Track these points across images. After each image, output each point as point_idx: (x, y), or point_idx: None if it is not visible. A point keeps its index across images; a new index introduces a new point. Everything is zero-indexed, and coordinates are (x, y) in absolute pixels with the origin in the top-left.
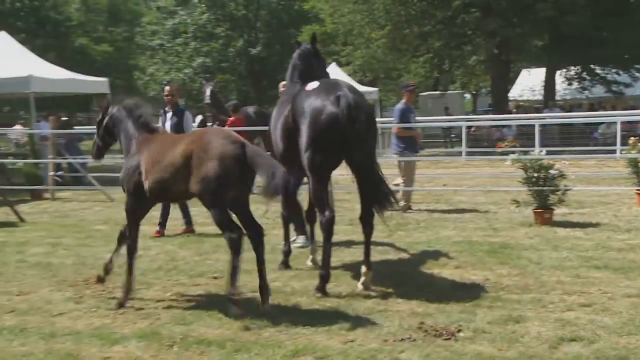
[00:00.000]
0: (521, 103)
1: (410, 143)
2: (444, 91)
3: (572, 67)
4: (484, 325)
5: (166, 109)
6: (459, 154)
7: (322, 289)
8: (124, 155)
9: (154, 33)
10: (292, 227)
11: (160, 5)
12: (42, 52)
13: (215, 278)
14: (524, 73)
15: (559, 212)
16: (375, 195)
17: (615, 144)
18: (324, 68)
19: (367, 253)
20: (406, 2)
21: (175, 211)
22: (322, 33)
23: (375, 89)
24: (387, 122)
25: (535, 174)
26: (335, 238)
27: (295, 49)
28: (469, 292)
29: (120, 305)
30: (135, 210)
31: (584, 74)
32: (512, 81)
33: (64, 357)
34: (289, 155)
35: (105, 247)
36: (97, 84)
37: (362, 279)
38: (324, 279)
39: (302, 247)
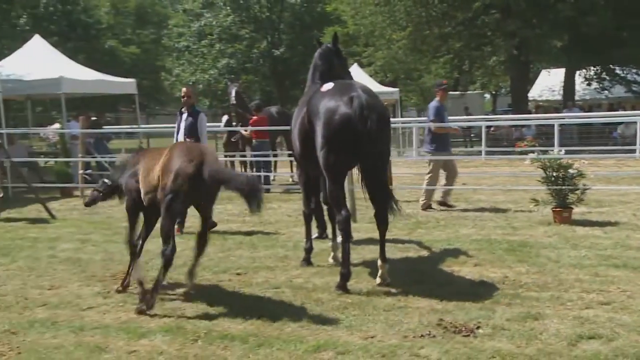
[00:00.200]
0: (540, 103)
1: (442, 143)
2: (463, 91)
3: (592, 67)
4: (502, 322)
5: (182, 110)
6: (479, 153)
7: (343, 287)
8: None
9: (180, 35)
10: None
11: (186, 7)
12: (73, 54)
13: (238, 274)
14: (544, 73)
15: (578, 211)
16: (383, 197)
17: (634, 144)
18: (346, 67)
19: (382, 248)
20: (427, 4)
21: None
22: (344, 34)
23: (396, 89)
24: (406, 122)
25: (555, 173)
26: (357, 236)
27: (316, 49)
28: (488, 290)
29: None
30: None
31: (604, 74)
32: (531, 81)
33: (92, 349)
34: (306, 154)
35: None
36: (125, 84)
37: (379, 272)
38: (345, 277)
39: (315, 238)
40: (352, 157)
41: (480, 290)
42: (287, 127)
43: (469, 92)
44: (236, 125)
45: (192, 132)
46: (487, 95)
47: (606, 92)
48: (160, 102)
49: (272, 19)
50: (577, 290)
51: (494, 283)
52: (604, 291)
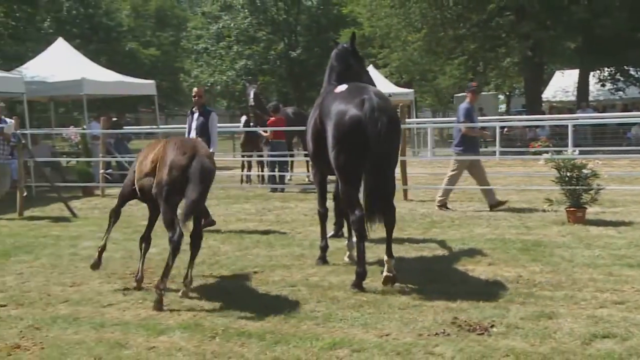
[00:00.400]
0: (554, 104)
1: (471, 144)
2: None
3: (606, 68)
4: (516, 321)
5: (193, 109)
6: (493, 153)
7: (358, 285)
8: None
9: (199, 37)
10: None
11: (205, 10)
12: (94, 56)
13: (255, 272)
14: (558, 74)
15: (592, 211)
16: (383, 200)
17: None
18: (364, 67)
19: (388, 243)
20: (442, 6)
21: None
22: (359, 36)
23: (411, 90)
24: (421, 123)
25: (568, 174)
26: (374, 235)
27: (333, 49)
28: (502, 289)
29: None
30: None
31: (618, 75)
32: (545, 82)
33: (112, 345)
34: (319, 154)
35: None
36: (145, 86)
37: (385, 266)
38: (360, 276)
39: (330, 236)
40: (362, 158)
41: (494, 289)
42: (304, 128)
43: (483, 93)
44: (254, 126)
45: (204, 131)
46: (501, 96)
47: (620, 92)
48: (179, 103)
49: (289, 21)
50: (591, 290)
51: (508, 282)
52: (618, 290)
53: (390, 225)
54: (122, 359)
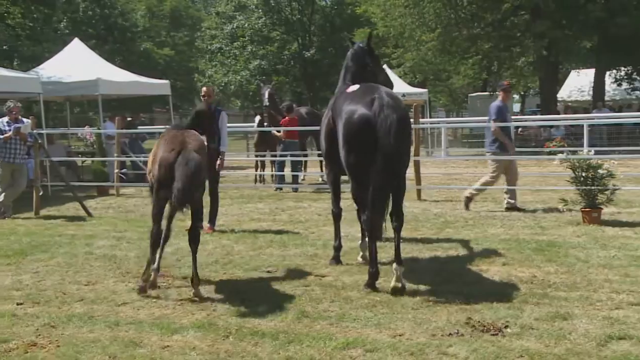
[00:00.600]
0: (570, 104)
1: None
2: (492, 92)
3: (622, 68)
4: (531, 322)
5: None
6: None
7: (371, 285)
8: None
9: (213, 37)
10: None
11: (219, 10)
12: (110, 56)
13: (269, 272)
14: (573, 74)
15: (607, 212)
16: (396, 201)
17: None
18: (380, 66)
19: (397, 248)
20: (456, 6)
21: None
22: (374, 36)
23: (425, 90)
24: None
25: (584, 174)
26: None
27: (348, 49)
28: (516, 289)
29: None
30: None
31: (634, 75)
32: (560, 82)
33: (127, 344)
34: (332, 154)
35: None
36: (159, 86)
37: (394, 275)
38: (373, 276)
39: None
40: (372, 157)
41: (508, 290)
42: (317, 128)
43: (497, 92)
44: (268, 126)
45: (214, 130)
46: (516, 96)
47: (637, 92)
48: (193, 103)
49: (303, 21)
50: (606, 291)
51: (522, 282)
52: (634, 292)
53: (398, 229)
54: (136, 357)
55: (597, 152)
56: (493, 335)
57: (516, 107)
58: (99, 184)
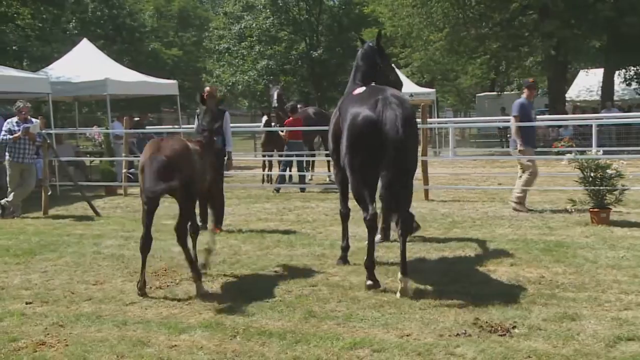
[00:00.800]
0: (578, 104)
1: (528, 138)
2: (500, 92)
3: (632, 67)
4: (539, 322)
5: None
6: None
7: (369, 278)
8: None
9: (221, 37)
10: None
11: (227, 10)
12: (118, 56)
13: (276, 272)
14: (582, 74)
15: (616, 212)
16: (403, 202)
17: None
18: (390, 65)
19: (402, 257)
20: (464, 5)
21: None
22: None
23: (433, 90)
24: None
25: (592, 174)
26: (395, 235)
27: (358, 49)
28: (524, 290)
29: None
30: None
31: None
32: (569, 82)
33: (135, 343)
34: (339, 155)
35: (173, 240)
36: (167, 86)
37: (399, 286)
38: (369, 269)
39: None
40: (376, 159)
41: (516, 290)
42: (323, 128)
43: (505, 92)
44: (275, 126)
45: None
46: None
47: None
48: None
49: (310, 21)
50: (615, 291)
51: (530, 283)
52: None
53: (404, 235)
54: (143, 357)
55: (605, 152)
56: (501, 335)
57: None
58: (107, 183)
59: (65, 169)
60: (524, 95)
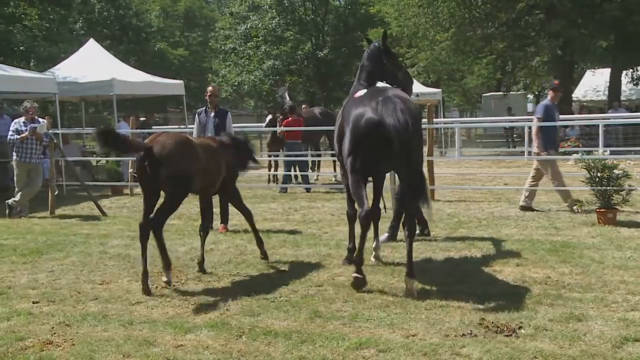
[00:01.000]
0: (585, 103)
1: (549, 140)
2: (506, 92)
3: (639, 67)
4: (545, 323)
5: (207, 109)
6: (522, 153)
7: (358, 271)
8: None
9: (227, 37)
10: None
11: (233, 11)
12: (124, 57)
13: (282, 271)
14: (589, 74)
15: (623, 212)
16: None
17: None
18: (397, 64)
19: (408, 258)
20: (470, 5)
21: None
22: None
23: (439, 90)
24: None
25: (599, 174)
26: (401, 235)
27: (364, 48)
28: (530, 290)
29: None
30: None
31: None
32: (576, 82)
33: (141, 343)
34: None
35: (179, 240)
36: (173, 86)
37: (405, 287)
38: (357, 263)
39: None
40: (377, 160)
41: (522, 291)
42: (327, 128)
43: (511, 92)
44: (279, 125)
45: (221, 131)
46: (530, 96)
47: None
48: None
49: (316, 21)
50: (622, 292)
51: (536, 283)
52: None
53: (410, 236)
54: (150, 356)
55: (612, 152)
56: (507, 336)
57: (530, 107)
58: (113, 183)
59: (72, 168)
60: (548, 98)
